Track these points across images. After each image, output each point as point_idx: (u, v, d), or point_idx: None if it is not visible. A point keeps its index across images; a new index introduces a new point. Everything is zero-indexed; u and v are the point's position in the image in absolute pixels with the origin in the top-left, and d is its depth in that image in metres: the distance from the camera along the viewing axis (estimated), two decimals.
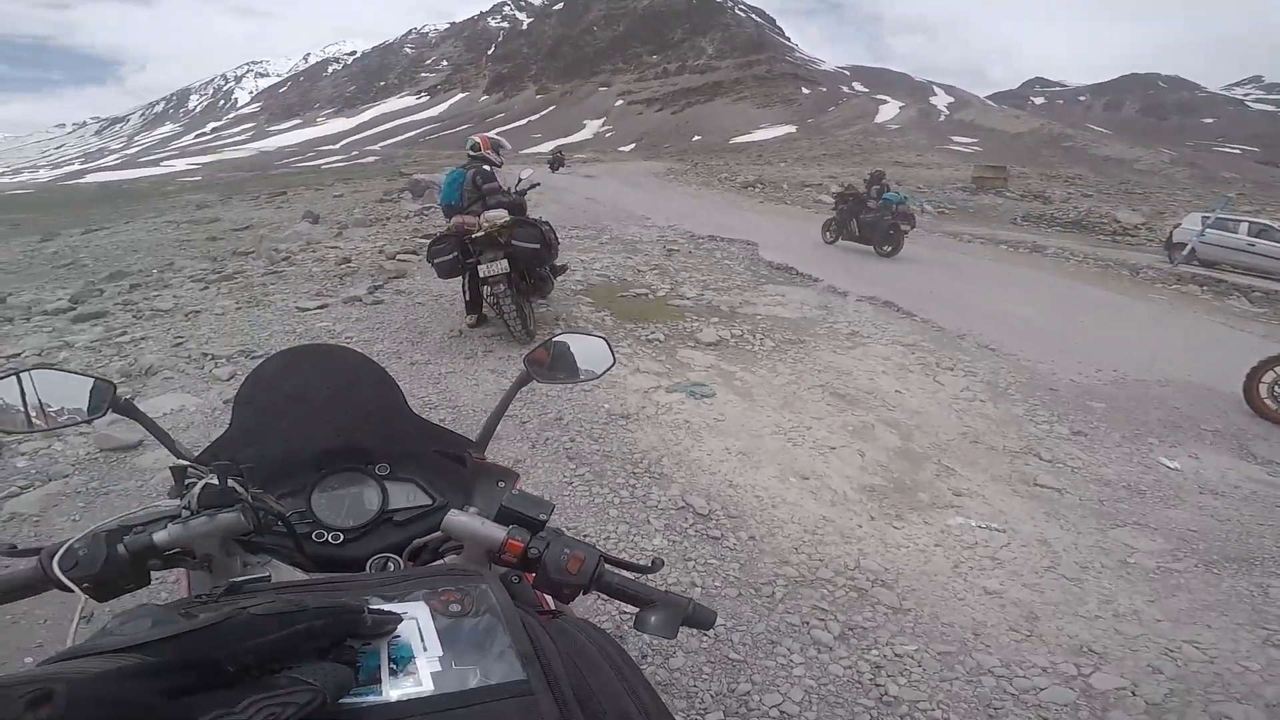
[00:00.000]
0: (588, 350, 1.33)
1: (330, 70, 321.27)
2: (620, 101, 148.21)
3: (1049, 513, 3.72)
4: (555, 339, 1.32)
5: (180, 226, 16.85)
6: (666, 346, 5.91)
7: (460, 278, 5.83)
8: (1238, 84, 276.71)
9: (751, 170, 33.07)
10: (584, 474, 3.76)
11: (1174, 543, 3.45)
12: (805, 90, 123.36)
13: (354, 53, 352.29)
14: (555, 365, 1.30)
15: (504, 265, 5.17)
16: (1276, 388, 5.18)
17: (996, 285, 9.48)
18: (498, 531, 0.79)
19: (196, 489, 0.79)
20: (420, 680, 0.49)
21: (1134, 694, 2.42)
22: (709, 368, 5.44)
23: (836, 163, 41.88)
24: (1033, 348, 6.57)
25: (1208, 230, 12.53)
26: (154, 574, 0.78)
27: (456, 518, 0.81)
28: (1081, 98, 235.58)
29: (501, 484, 1.11)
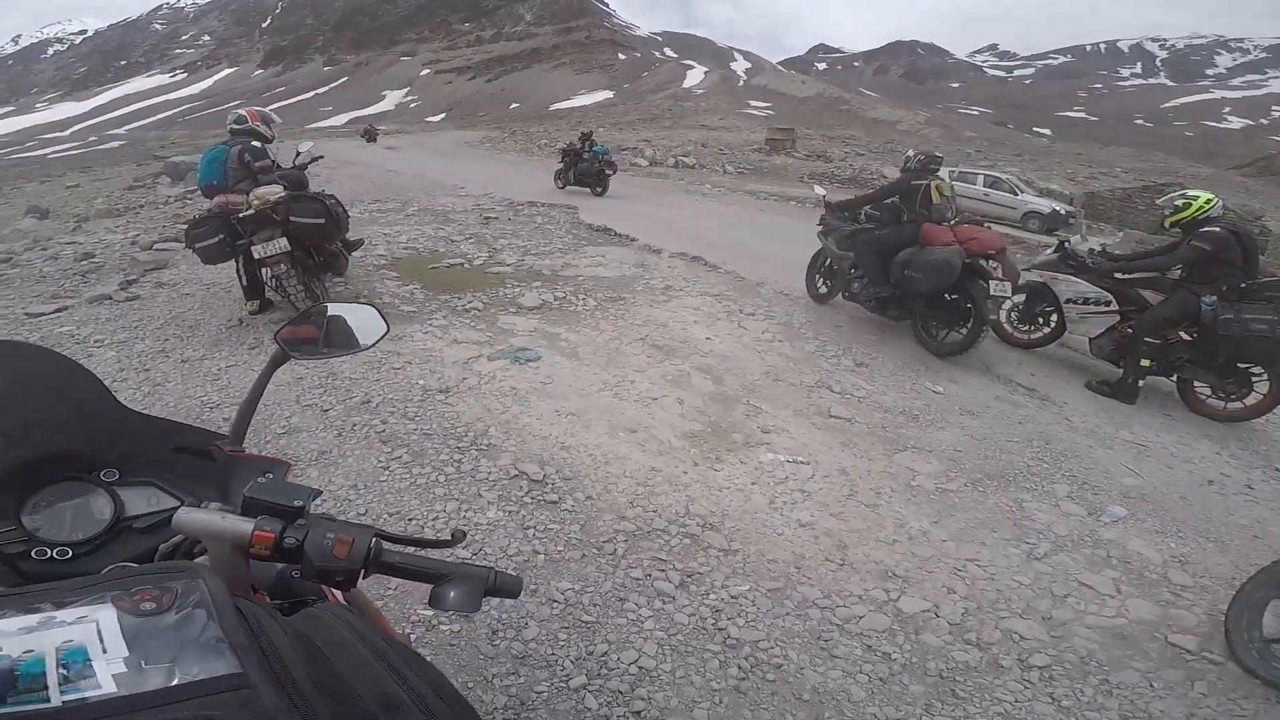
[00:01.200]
0: (355, 319, 1.18)
1: (51, 51, 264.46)
2: (427, 71, 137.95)
3: (843, 442, 4.03)
4: (314, 310, 1.17)
5: None
6: (486, 315, 5.57)
7: (233, 262, 5.03)
8: (978, 51, 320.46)
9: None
10: (401, 455, 3.40)
11: (945, 464, 3.84)
12: (621, 56, 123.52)
13: (84, 31, 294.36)
14: (317, 339, 1.15)
15: (283, 244, 4.54)
16: (1012, 314, 6.00)
17: (788, 237, 9.99)
18: (243, 525, 0.70)
19: None
20: (99, 683, 0.44)
21: (937, 615, 2.60)
22: (533, 331, 5.20)
23: (650, 127, 42.54)
24: None
25: (954, 183, 14.37)
26: None
27: (189, 514, 0.71)
28: (856, 63, 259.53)
29: (268, 475, 0.96)
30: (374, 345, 1.20)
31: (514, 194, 12.66)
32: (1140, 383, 5.12)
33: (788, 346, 5.45)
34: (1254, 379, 4.83)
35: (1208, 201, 5.03)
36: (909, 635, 2.49)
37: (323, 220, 4.66)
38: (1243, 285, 4.79)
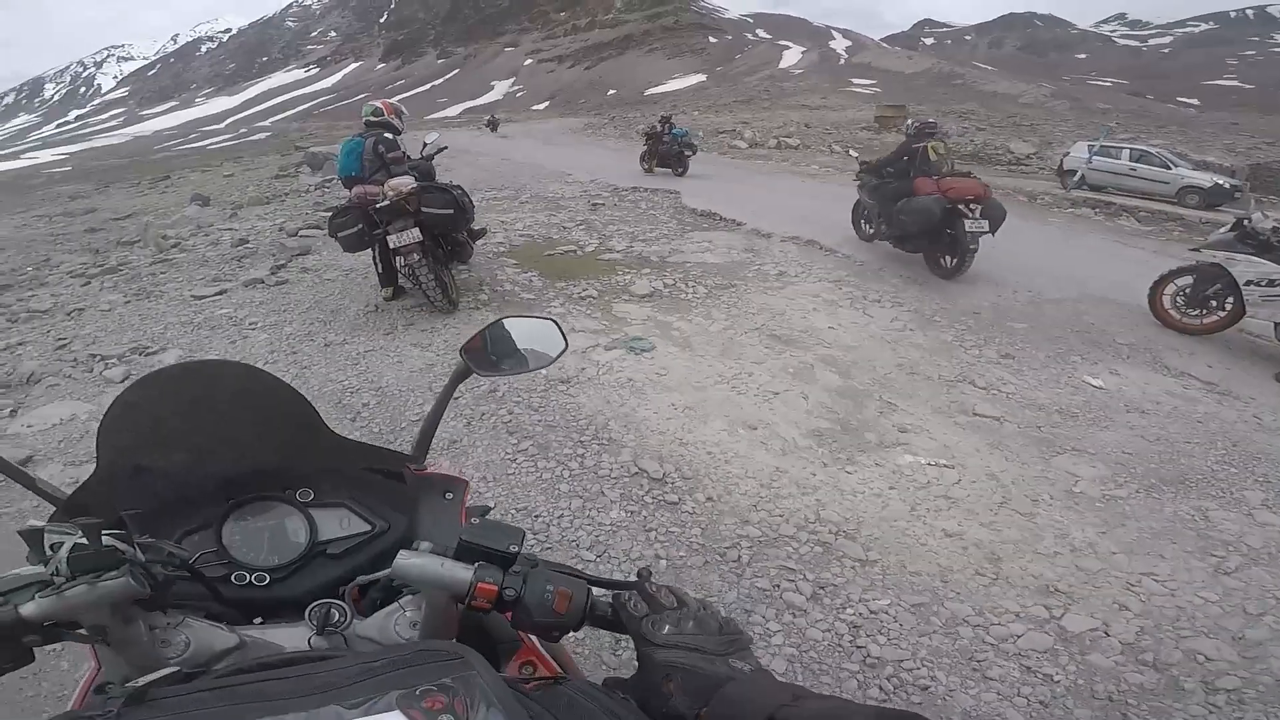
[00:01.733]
0: (534, 334, 1.13)
1: (204, 49, 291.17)
2: (529, 60, 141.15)
3: (992, 444, 3.62)
4: (495, 324, 1.11)
5: (53, 220, 14.77)
6: (600, 302, 5.50)
7: (370, 250, 5.25)
8: (1104, 21, 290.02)
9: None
10: (527, 448, 3.36)
11: (1112, 468, 3.40)
12: (712, 39, 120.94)
13: (229, 30, 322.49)
14: (497, 353, 1.10)
15: (415, 234, 4.65)
16: (1178, 299, 5.34)
17: None
18: (462, 573, 0.64)
19: (63, 552, 0.58)
20: None
21: (1107, 634, 2.33)
22: (646, 320, 5.07)
23: (747, 109, 41.36)
24: None
25: (1094, 157, 13.06)
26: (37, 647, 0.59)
27: (410, 560, 0.65)
28: (967, 37, 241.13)
29: (449, 495, 0.97)
30: (553, 362, 1.13)
31: (617, 179, 12.60)
32: None
33: (921, 336, 5.00)
34: None
35: None
36: (1074, 656, 2.23)
37: (451, 211, 4.74)
38: None
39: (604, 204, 10.15)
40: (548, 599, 0.64)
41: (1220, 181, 12.52)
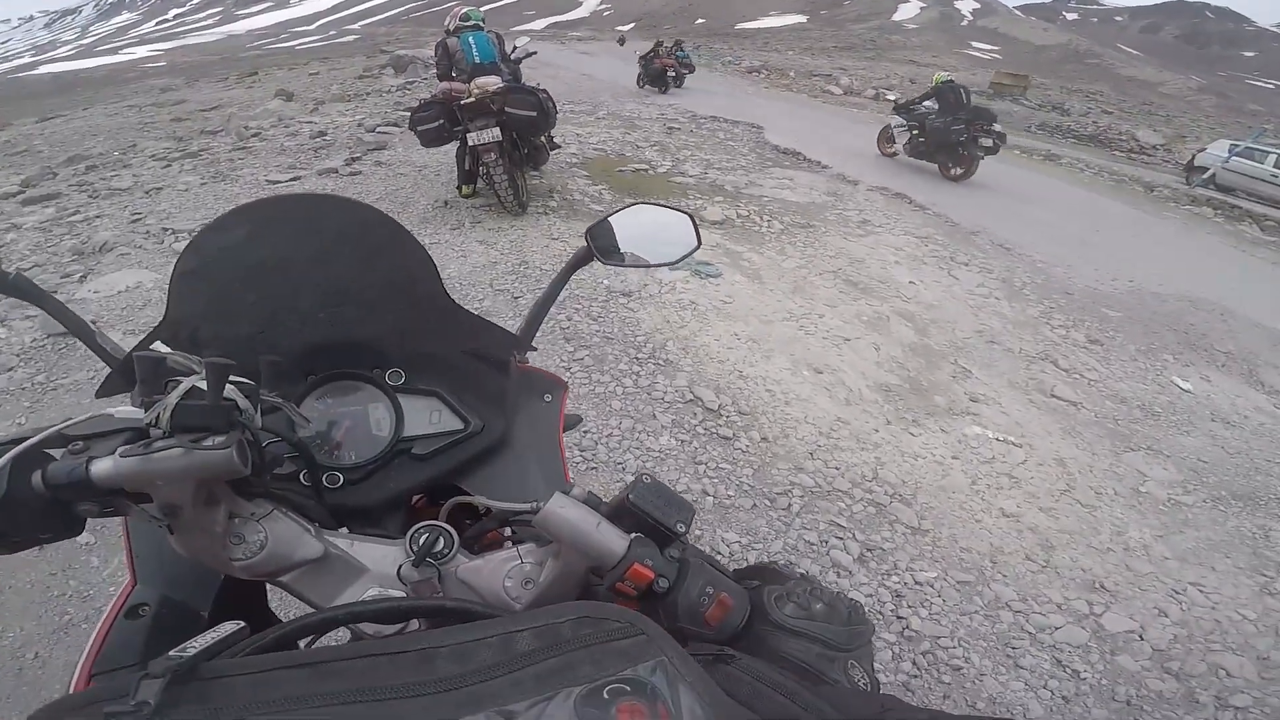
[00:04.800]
0: (666, 225, 0.98)
1: None
2: None
3: (1065, 429, 3.29)
4: (626, 209, 0.95)
5: (143, 110, 14.72)
6: None
7: (446, 146, 4.98)
8: None
9: (757, 56, 30.18)
10: (583, 358, 3.16)
11: (1185, 473, 3.13)
12: None
13: None
14: (624, 241, 0.94)
15: (496, 133, 4.36)
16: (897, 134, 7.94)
17: (1010, 187, 8.56)
18: (618, 543, 0.49)
19: (173, 397, 0.44)
20: None
21: (1141, 638, 2.20)
22: (714, 246, 4.71)
23: (847, 56, 38.42)
24: (1047, 250, 5.86)
25: (1234, 158, 11.62)
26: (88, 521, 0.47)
27: (564, 510, 0.49)
28: (1118, 18, 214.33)
29: (548, 398, 0.82)
30: (682, 260, 0.98)
31: (696, 106, 11.82)
32: None
33: (1006, 306, 4.52)
34: None
35: None
36: (1104, 654, 2.13)
37: (535, 114, 4.40)
38: None
39: (680, 129, 9.55)
40: (703, 603, 0.48)
41: None
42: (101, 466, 0.44)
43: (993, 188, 8.28)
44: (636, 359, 3.18)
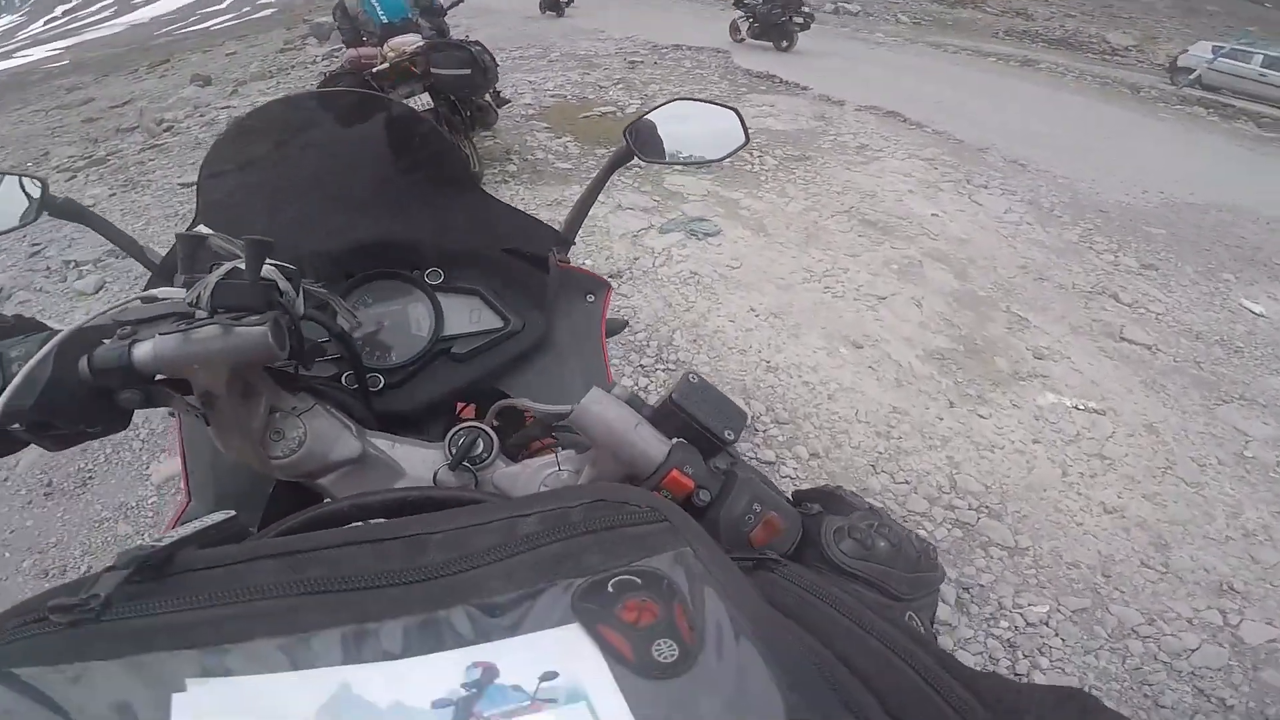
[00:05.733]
0: (710, 121, 0.90)
1: None
2: None
3: (1146, 382, 2.77)
4: (669, 104, 0.88)
5: (50, 114, 12.87)
6: (649, 173, 4.34)
7: None
8: None
9: None
10: None
11: None
12: None
13: None
14: (667, 138, 0.86)
15: (425, 100, 3.57)
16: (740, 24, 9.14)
17: (1000, 98, 7.84)
18: (657, 447, 0.43)
19: (212, 278, 0.44)
20: None
21: None
22: (706, 196, 3.93)
23: None
24: (1063, 164, 5.19)
25: (1220, 59, 11.34)
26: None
27: (601, 408, 0.44)
28: None
29: (590, 298, 0.75)
30: (728, 157, 0.91)
31: (656, 37, 10.62)
32: None
33: (1042, 233, 3.89)
34: None
35: None
36: (1248, 673, 1.80)
37: (468, 71, 3.58)
38: None
39: (642, 62, 8.51)
40: (747, 522, 0.41)
41: None
42: (142, 349, 0.41)
43: (983, 99, 7.57)
44: (640, 365, 2.47)
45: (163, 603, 0.26)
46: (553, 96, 6.53)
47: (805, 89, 7.12)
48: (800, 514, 0.45)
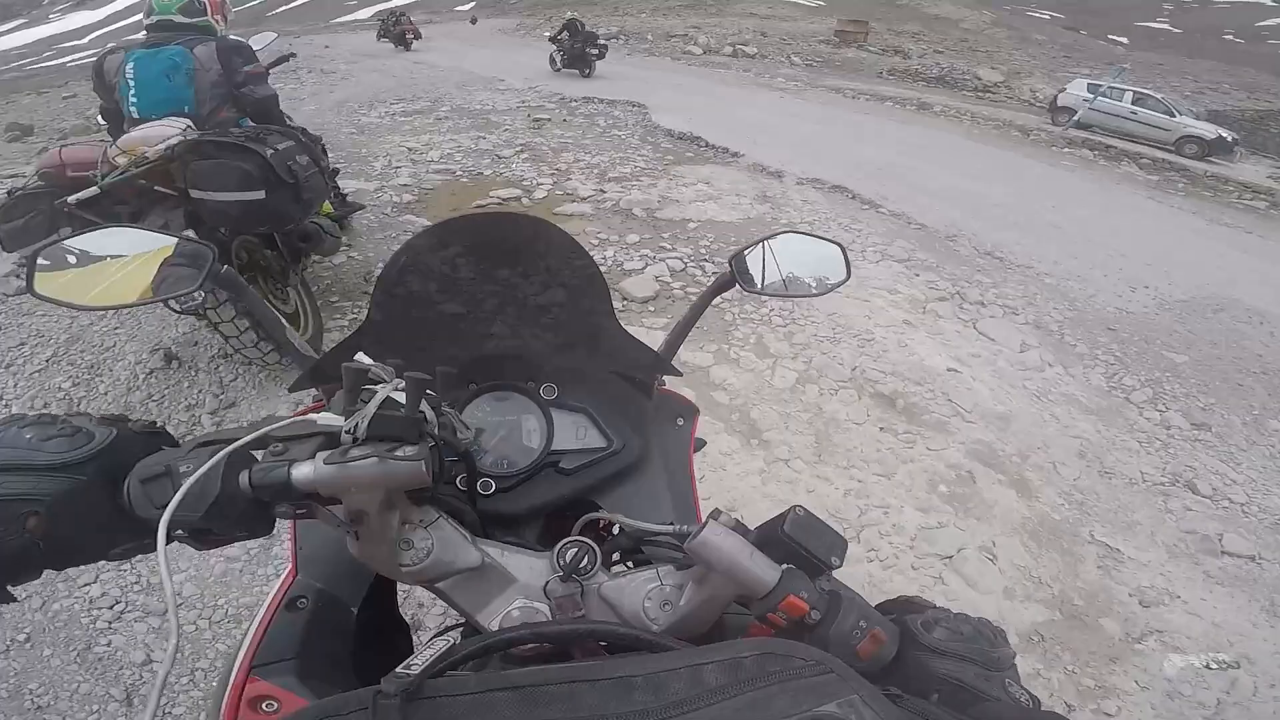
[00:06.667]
0: (814, 255, 0.89)
1: None
2: None
3: (1267, 608, 2.11)
4: (772, 237, 0.87)
5: None
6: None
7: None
8: None
9: (613, 22, 28.00)
10: None
11: None
12: None
13: None
14: (769, 269, 0.85)
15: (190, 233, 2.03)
16: (555, 56, 11.08)
17: (925, 153, 7.60)
18: (769, 574, 0.46)
19: (371, 406, 0.44)
20: None
21: None
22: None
23: (695, 13, 36.71)
24: (1035, 249, 4.76)
25: (1099, 98, 11.80)
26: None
27: (717, 536, 0.46)
28: None
29: (680, 421, 0.79)
30: (828, 292, 0.90)
31: (562, 87, 9.80)
32: None
33: (1069, 379, 3.19)
34: None
35: None
36: None
37: (260, 193, 2.08)
38: None
39: (549, 119, 7.65)
40: (855, 637, 0.45)
41: (1224, 135, 11.33)
42: (302, 471, 0.43)
43: (911, 156, 7.26)
44: None
45: None
46: (438, 171, 5.45)
47: (737, 155, 6.51)
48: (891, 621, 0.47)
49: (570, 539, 0.54)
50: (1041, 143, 10.43)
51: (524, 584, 0.53)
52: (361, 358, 0.48)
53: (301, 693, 0.52)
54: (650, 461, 0.72)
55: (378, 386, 0.46)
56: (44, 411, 0.49)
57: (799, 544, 0.46)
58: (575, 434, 0.69)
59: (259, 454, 0.45)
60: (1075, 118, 11.79)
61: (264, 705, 0.51)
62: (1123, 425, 2.90)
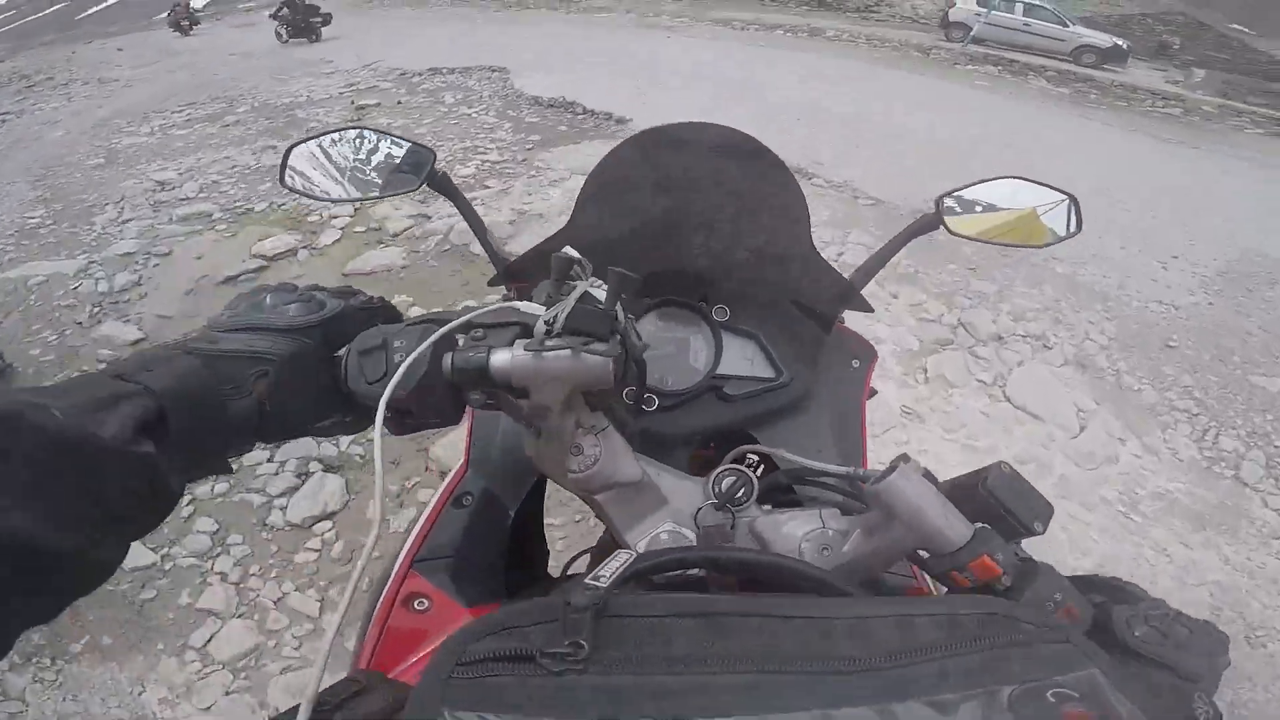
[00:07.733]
0: (1034, 204, 0.76)
1: None
2: None
3: None
4: (993, 180, 0.76)
5: None
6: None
7: None
8: None
9: None
10: None
11: None
12: None
13: None
14: (982, 215, 0.76)
15: None
16: (280, 30, 9.85)
17: (838, 90, 6.64)
18: (961, 530, 0.41)
19: (570, 299, 0.42)
20: None
21: None
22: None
23: None
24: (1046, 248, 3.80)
25: (993, 11, 11.30)
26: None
27: (908, 483, 0.42)
28: None
29: (856, 364, 0.73)
30: (1051, 245, 0.79)
31: (409, 57, 7.72)
32: None
33: (1147, 459, 2.22)
34: None
35: None
36: None
37: None
38: None
39: (379, 104, 6.04)
40: (1049, 610, 0.40)
41: (1119, 43, 11.10)
42: (500, 358, 0.42)
43: (832, 98, 6.26)
44: None
45: (615, 656, 0.28)
46: (185, 219, 3.79)
47: (623, 121, 5.15)
48: (1090, 602, 0.43)
49: (727, 466, 0.51)
50: (945, 62, 9.83)
51: (674, 508, 0.52)
52: (570, 251, 0.44)
53: (452, 593, 0.52)
54: (818, 400, 0.68)
55: (576, 284, 0.43)
56: (286, 281, 0.47)
57: (1001, 502, 0.42)
58: (743, 361, 0.67)
59: (461, 339, 0.43)
60: (972, 33, 11.24)
61: (416, 603, 0.52)
62: (1249, 535, 1.93)
